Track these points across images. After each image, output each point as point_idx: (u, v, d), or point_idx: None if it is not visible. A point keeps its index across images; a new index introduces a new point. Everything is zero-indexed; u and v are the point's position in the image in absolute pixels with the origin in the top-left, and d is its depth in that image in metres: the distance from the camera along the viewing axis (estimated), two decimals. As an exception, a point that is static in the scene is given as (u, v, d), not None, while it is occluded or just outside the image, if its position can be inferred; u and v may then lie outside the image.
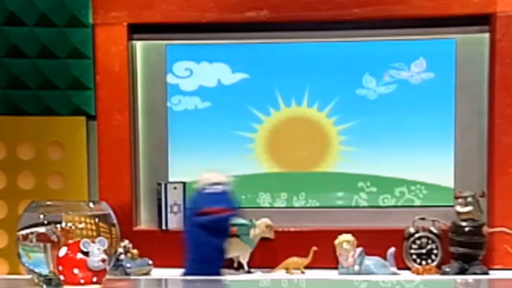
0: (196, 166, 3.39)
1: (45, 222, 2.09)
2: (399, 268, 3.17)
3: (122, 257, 3.07)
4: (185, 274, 2.93)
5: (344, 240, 3.16)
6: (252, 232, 3.21)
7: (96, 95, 3.34)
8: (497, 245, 3.19)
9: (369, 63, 3.37)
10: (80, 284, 1.90)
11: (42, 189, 3.30)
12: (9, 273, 3.17)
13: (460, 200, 3.13)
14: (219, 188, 2.89)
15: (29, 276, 2.14)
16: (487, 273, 3.07)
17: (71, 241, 1.98)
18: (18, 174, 3.32)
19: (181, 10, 3.30)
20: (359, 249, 3.14)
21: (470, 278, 2.95)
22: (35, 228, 2.09)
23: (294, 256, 3.19)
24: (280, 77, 3.40)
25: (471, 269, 3.07)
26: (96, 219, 2.14)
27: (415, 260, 3.23)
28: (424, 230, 3.24)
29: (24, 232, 2.10)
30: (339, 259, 3.17)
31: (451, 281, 2.86)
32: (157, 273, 3.17)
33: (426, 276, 3.06)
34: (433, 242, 3.22)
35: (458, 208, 3.13)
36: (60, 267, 1.92)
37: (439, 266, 3.17)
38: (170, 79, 3.44)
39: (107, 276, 1.97)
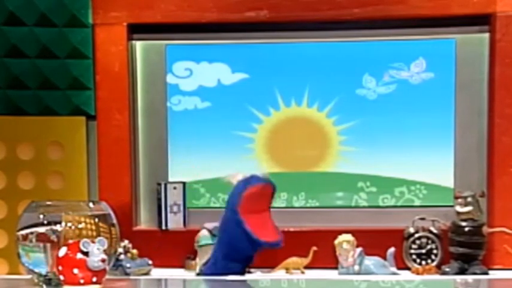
0: (196, 166, 3.39)
1: (45, 222, 2.09)
2: (399, 268, 3.17)
3: (122, 257, 3.07)
4: (207, 270, 2.92)
5: (344, 240, 3.16)
6: (252, 232, 3.21)
7: (96, 95, 3.34)
8: (497, 245, 3.19)
9: (369, 63, 3.37)
10: (79, 284, 1.90)
11: (42, 189, 3.30)
12: (9, 273, 3.17)
13: (459, 200, 3.13)
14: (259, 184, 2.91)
15: (29, 276, 2.14)
16: (486, 273, 3.07)
17: (70, 241, 1.98)
18: (18, 174, 3.32)
19: (181, 10, 3.30)
20: (359, 249, 3.14)
21: (470, 278, 2.95)
22: (34, 228, 2.09)
23: (293, 256, 3.19)
24: (280, 77, 3.40)
25: (471, 269, 3.07)
26: (96, 219, 2.14)
27: (414, 260, 3.23)
28: (423, 230, 3.24)
29: (24, 232, 2.10)
30: (339, 259, 3.17)
31: (451, 281, 2.86)
32: (157, 273, 3.17)
33: (426, 276, 3.06)
34: (433, 242, 3.22)
35: (458, 208, 3.13)
36: (60, 267, 1.92)
37: (438, 266, 3.17)
38: (170, 79, 3.44)
39: (107, 276, 1.97)
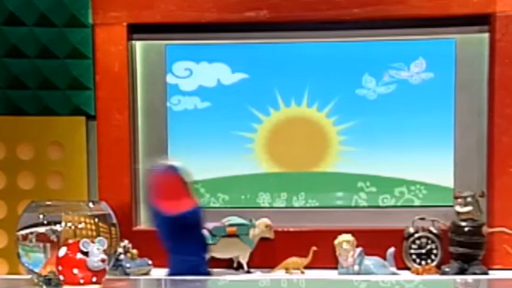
0: (196, 166, 3.39)
1: (45, 222, 2.09)
2: (399, 268, 3.17)
3: (122, 257, 3.07)
4: (170, 274, 2.91)
5: (344, 240, 3.16)
6: (251, 232, 3.21)
7: (95, 95, 3.34)
8: (496, 245, 3.19)
9: (369, 63, 3.37)
10: (79, 284, 1.90)
11: (42, 189, 3.30)
12: (8, 273, 3.17)
13: (459, 200, 3.13)
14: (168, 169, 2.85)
15: (29, 276, 2.14)
16: (486, 273, 3.07)
17: (70, 241, 1.98)
18: (18, 174, 3.32)
19: (180, 10, 3.30)
20: (359, 249, 3.14)
21: (469, 278, 2.95)
22: (34, 228, 2.09)
23: (293, 256, 3.19)
24: (280, 77, 3.40)
25: (471, 269, 3.07)
26: (96, 219, 2.14)
27: (414, 260, 3.23)
28: (423, 230, 3.24)
29: (23, 232, 2.10)
30: (339, 259, 3.17)
31: (451, 281, 2.86)
32: (157, 273, 3.16)
33: (426, 276, 3.06)
34: (433, 242, 3.22)
35: (458, 208, 3.13)
36: (60, 267, 1.92)
37: (438, 266, 3.17)
38: (170, 79, 3.44)
39: (107, 276, 1.97)
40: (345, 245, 3.15)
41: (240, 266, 3.24)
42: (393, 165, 3.38)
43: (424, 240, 3.23)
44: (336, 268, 3.18)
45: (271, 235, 3.24)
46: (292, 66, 3.39)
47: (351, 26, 3.31)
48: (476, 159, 3.32)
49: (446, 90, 3.34)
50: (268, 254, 3.25)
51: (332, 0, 3.26)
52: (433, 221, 3.24)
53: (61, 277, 1.92)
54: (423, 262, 3.22)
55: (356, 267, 3.11)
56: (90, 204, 2.24)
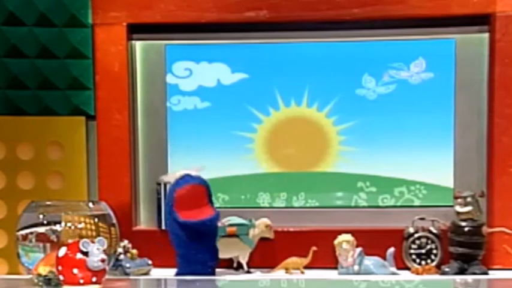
0: (194, 164, 3.38)
1: (45, 222, 2.10)
2: (399, 268, 3.17)
3: (122, 257, 3.07)
4: (178, 274, 2.95)
5: (343, 240, 3.16)
6: (251, 232, 3.21)
7: (95, 95, 3.34)
8: (496, 245, 3.19)
9: (369, 63, 3.37)
10: (79, 284, 1.90)
11: (42, 189, 3.30)
12: (8, 273, 3.17)
13: (459, 200, 3.13)
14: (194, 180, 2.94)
15: (29, 276, 2.14)
16: (486, 273, 3.07)
17: (70, 241, 1.98)
18: (18, 174, 3.32)
19: (180, 10, 3.30)
20: (358, 249, 3.14)
21: (469, 278, 2.95)
22: (34, 228, 2.10)
23: (293, 256, 3.19)
24: (280, 77, 3.40)
25: (470, 269, 3.07)
26: (96, 219, 2.14)
27: (414, 260, 3.22)
28: (423, 230, 3.24)
29: (23, 232, 2.11)
30: (339, 259, 3.17)
31: (451, 281, 2.87)
32: (157, 273, 3.17)
33: (426, 276, 3.06)
34: (433, 242, 3.22)
35: (458, 208, 3.13)
36: (60, 267, 1.92)
37: (438, 266, 3.17)
38: (170, 79, 3.44)
39: (107, 276, 1.97)
40: (344, 245, 3.15)
41: (239, 266, 3.23)
42: (393, 165, 3.38)
43: (424, 240, 3.23)
44: (335, 268, 3.17)
45: (271, 235, 3.24)
46: (292, 66, 3.39)
47: (350, 26, 3.31)
48: (476, 159, 3.32)
49: (446, 90, 3.34)
50: (268, 254, 3.25)
51: (332, 0, 3.26)
52: (433, 221, 3.24)
53: (61, 277, 1.93)
54: (423, 262, 3.22)
55: (356, 267, 3.11)
56: (90, 204, 2.25)
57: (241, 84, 3.41)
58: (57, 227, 2.08)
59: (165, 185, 3.36)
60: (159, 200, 3.38)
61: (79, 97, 3.34)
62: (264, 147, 3.44)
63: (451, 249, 3.14)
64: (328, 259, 3.19)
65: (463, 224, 3.12)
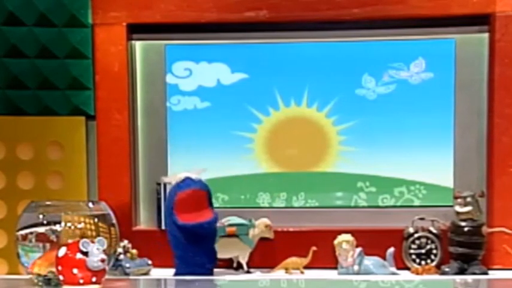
0: (196, 166, 3.39)
1: (45, 222, 2.10)
2: (398, 268, 3.17)
3: (121, 257, 3.07)
4: (176, 275, 2.96)
5: (343, 240, 3.16)
6: (251, 232, 3.21)
7: (95, 95, 3.34)
8: (496, 245, 3.19)
9: (368, 63, 3.37)
10: (79, 284, 1.90)
11: (42, 189, 3.30)
12: (8, 273, 3.17)
13: (459, 200, 3.13)
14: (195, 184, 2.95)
15: (28, 276, 2.14)
16: (486, 273, 3.07)
17: (70, 241, 1.98)
18: (18, 174, 3.32)
19: (180, 10, 3.30)
20: (358, 249, 3.14)
21: (469, 278, 2.95)
22: (34, 228, 2.10)
23: (293, 256, 3.19)
24: (280, 77, 3.40)
25: (470, 269, 3.07)
26: (96, 219, 2.14)
27: (414, 260, 3.22)
28: (423, 230, 3.24)
29: (23, 232, 2.11)
30: (338, 259, 3.17)
31: (450, 281, 2.87)
32: (157, 273, 3.17)
33: (425, 276, 3.06)
34: (433, 242, 3.22)
35: (458, 208, 3.13)
36: (60, 267, 1.92)
37: (438, 266, 3.17)
38: (169, 79, 3.44)
39: (106, 276, 1.97)
40: (344, 245, 3.15)
41: (239, 266, 3.23)
42: (393, 165, 3.38)
43: (423, 240, 3.23)
44: (335, 268, 3.17)
45: (270, 235, 3.24)
46: (292, 66, 3.39)
47: (350, 26, 3.31)
48: (476, 159, 3.32)
49: (446, 90, 3.34)
50: (267, 254, 3.25)
51: (332, 0, 3.26)
52: (432, 221, 3.24)
53: (61, 277, 1.93)
54: (423, 262, 3.22)
55: (356, 267, 3.11)
56: (90, 204, 2.25)
57: (241, 84, 3.41)
58: (57, 227, 2.08)
59: (165, 185, 3.36)
60: (159, 200, 3.38)
61: (79, 97, 3.34)
62: (263, 147, 3.44)
63: (451, 249, 3.14)
64: (328, 259, 3.19)
65: (463, 224, 3.12)
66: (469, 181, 3.30)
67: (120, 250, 3.02)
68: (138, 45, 3.43)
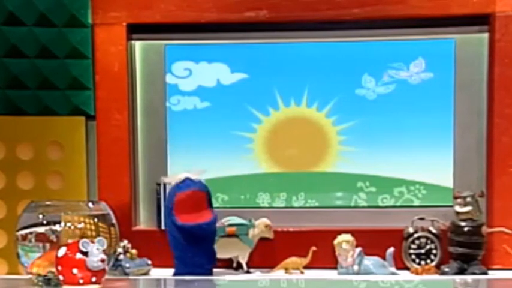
0: (196, 166, 3.39)
1: (44, 222, 2.10)
2: (398, 268, 3.17)
3: (121, 257, 3.07)
4: (175, 275, 2.96)
5: (343, 240, 3.16)
6: (251, 232, 3.21)
7: (95, 95, 3.34)
8: (496, 245, 3.19)
9: (368, 63, 3.37)
10: (79, 284, 1.90)
11: (42, 189, 3.30)
12: (8, 273, 3.17)
13: (459, 200, 3.13)
14: (194, 185, 2.95)
15: (28, 276, 2.14)
16: (486, 273, 3.07)
17: (70, 241, 1.98)
18: (18, 174, 3.32)
19: (180, 10, 3.30)
20: (358, 249, 3.14)
21: (469, 278, 2.95)
22: (34, 228, 2.10)
23: (293, 256, 3.19)
24: (280, 77, 3.40)
25: (470, 269, 3.07)
26: (95, 219, 2.14)
27: (414, 260, 3.23)
28: (423, 230, 3.24)
29: (23, 232, 2.11)
30: (338, 259, 3.17)
31: (450, 281, 2.87)
32: (157, 273, 3.17)
33: (425, 276, 3.06)
34: (432, 242, 3.22)
35: (458, 208, 3.13)
36: (59, 267, 1.92)
37: (438, 266, 3.17)
38: (169, 79, 3.44)
39: (106, 276, 1.97)
40: (344, 245, 3.15)
41: (239, 266, 3.24)
42: (393, 165, 3.38)
43: (423, 240, 3.23)
44: (335, 268, 3.17)
45: (270, 235, 3.24)
46: (292, 66, 3.39)
47: (350, 26, 3.31)
48: (475, 159, 3.32)
49: (446, 90, 3.34)
50: (267, 254, 3.25)
51: (332, 0, 3.26)
52: (432, 221, 3.24)
53: (60, 277, 1.93)
54: (423, 262, 3.22)
55: (355, 267, 3.11)
56: (90, 204, 2.25)
57: (241, 84, 3.41)
58: (57, 227, 2.08)
59: (165, 185, 3.36)
60: (158, 200, 3.38)
61: (79, 97, 3.34)
62: (263, 147, 3.44)
63: (451, 249, 3.14)
64: (327, 259, 3.20)
65: (463, 224, 3.12)
66: (468, 181, 3.30)
67: (119, 250, 3.02)
68: (138, 45, 3.43)
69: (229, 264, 3.25)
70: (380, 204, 3.40)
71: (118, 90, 3.35)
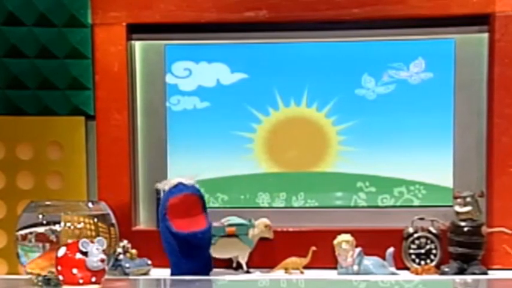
0: (195, 166, 3.39)
1: (44, 222, 2.10)
2: (398, 268, 3.17)
3: (121, 257, 3.07)
4: (172, 274, 2.96)
5: (343, 240, 3.16)
6: (251, 232, 3.21)
7: (95, 95, 3.34)
8: (496, 245, 3.19)
9: (368, 63, 3.37)
10: (78, 284, 1.90)
11: (41, 189, 3.30)
12: (8, 273, 3.17)
13: (459, 200, 3.13)
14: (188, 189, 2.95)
15: (28, 276, 2.14)
16: (485, 273, 3.07)
17: (69, 241, 1.98)
18: (17, 174, 3.32)
19: (180, 10, 3.30)
20: (358, 249, 3.14)
21: (469, 278, 2.95)
22: (33, 228, 2.10)
23: (293, 256, 3.19)
24: (279, 77, 3.40)
25: (470, 269, 3.07)
26: (95, 219, 2.14)
27: (414, 260, 3.23)
28: (423, 230, 3.24)
29: (23, 232, 2.11)
30: (338, 259, 3.17)
31: (450, 281, 2.87)
32: (156, 273, 3.17)
33: (425, 276, 3.06)
34: (432, 242, 3.22)
35: (457, 208, 3.13)
36: (59, 267, 1.92)
37: (438, 266, 3.17)
38: (169, 79, 3.44)
39: (106, 276, 1.97)
40: (344, 245, 3.15)
41: (239, 266, 3.23)
42: (392, 165, 3.38)
43: (423, 240, 3.23)
44: (335, 268, 3.17)
45: (270, 235, 3.24)
46: (292, 66, 3.39)
47: (350, 26, 3.31)
48: (475, 159, 3.32)
49: (446, 90, 3.34)
50: (267, 254, 3.25)
51: (332, 0, 3.26)
52: (432, 221, 3.24)
53: (60, 277, 1.93)
54: (422, 262, 3.22)
55: (355, 267, 3.11)
56: (90, 204, 2.25)
57: (240, 84, 3.42)
58: (57, 227, 2.08)
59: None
60: (158, 200, 3.37)
61: (78, 97, 3.34)
62: (263, 147, 3.44)
63: (451, 249, 3.14)
64: (327, 259, 3.20)
65: (463, 224, 3.12)
66: (468, 181, 3.30)
67: (119, 250, 3.02)
68: (138, 45, 3.43)
69: (229, 264, 3.25)
70: (380, 204, 3.40)
71: (118, 90, 3.35)
